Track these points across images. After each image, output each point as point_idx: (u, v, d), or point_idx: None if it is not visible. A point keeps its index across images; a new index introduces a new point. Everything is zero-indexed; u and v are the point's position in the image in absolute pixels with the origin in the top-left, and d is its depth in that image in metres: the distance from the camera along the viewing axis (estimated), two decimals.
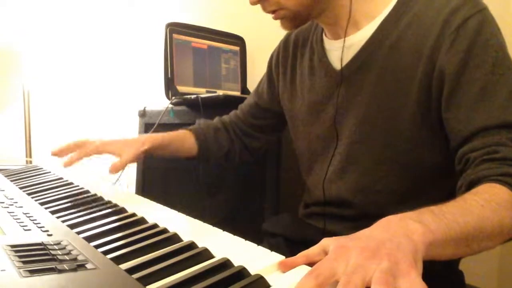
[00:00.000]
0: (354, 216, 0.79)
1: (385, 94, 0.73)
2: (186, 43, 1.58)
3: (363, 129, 0.76)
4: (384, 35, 0.73)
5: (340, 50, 0.78)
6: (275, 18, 0.76)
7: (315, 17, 0.77)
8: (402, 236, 0.43)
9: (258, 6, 0.75)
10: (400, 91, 0.71)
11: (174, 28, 1.54)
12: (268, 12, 0.75)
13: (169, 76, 1.52)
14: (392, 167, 0.74)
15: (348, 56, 0.77)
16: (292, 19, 0.75)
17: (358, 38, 0.76)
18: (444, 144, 0.71)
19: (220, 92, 1.50)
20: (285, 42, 0.95)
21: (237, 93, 1.70)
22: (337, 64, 0.79)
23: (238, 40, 1.74)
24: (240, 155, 1.04)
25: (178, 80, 1.53)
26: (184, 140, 0.99)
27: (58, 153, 0.88)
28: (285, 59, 0.93)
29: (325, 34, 0.83)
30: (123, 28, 2.22)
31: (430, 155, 0.72)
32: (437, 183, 0.75)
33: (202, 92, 1.56)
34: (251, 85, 1.77)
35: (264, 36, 1.78)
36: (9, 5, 2.10)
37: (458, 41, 0.65)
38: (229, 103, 1.37)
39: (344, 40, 0.77)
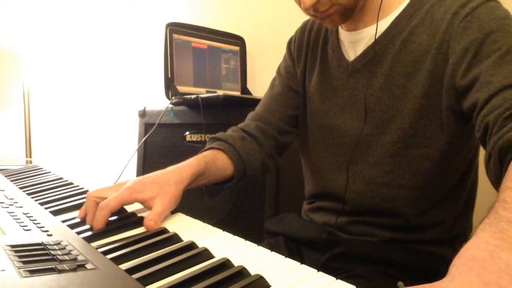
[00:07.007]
0: (356, 209, 0.80)
1: (394, 87, 0.75)
2: (186, 43, 1.58)
3: (373, 122, 0.77)
4: (397, 30, 0.75)
5: (353, 42, 0.80)
6: (323, 16, 0.74)
7: (359, 9, 0.77)
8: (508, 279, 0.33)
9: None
10: (409, 83, 0.73)
11: (174, 28, 1.54)
12: (321, 12, 0.73)
13: (169, 76, 1.52)
14: (400, 161, 0.75)
15: (360, 49, 0.79)
16: (342, 14, 0.74)
17: (372, 31, 0.77)
18: (448, 142, 0.72)
19: (220, 92, 1.50)
20: (302, 27, 0.96)
21: (237, 93, 1.70)
22: (349, 55, 0.82)
23: (238, 40, 1.74)
24: (271, 159, 0.92)
25: (178, 80, 1.54)
26: (216, 160, 0.83)
27: (88, 222, 0.64)
28: (300, 42, 0.94)
29: (341, 26, 0.84)
30: (123, 28, 2.23)
31: (435, 150, 0.73)
32: (440, 179, 0.75)
33: (202, 92, 1.56)
34: (251, 85, 1.77)
35: (264, 36, 1.79)
36: (9, 5, 2.10)
37: (471, 25, 0.66)
38: (229, 103, 1.37)
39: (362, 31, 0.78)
